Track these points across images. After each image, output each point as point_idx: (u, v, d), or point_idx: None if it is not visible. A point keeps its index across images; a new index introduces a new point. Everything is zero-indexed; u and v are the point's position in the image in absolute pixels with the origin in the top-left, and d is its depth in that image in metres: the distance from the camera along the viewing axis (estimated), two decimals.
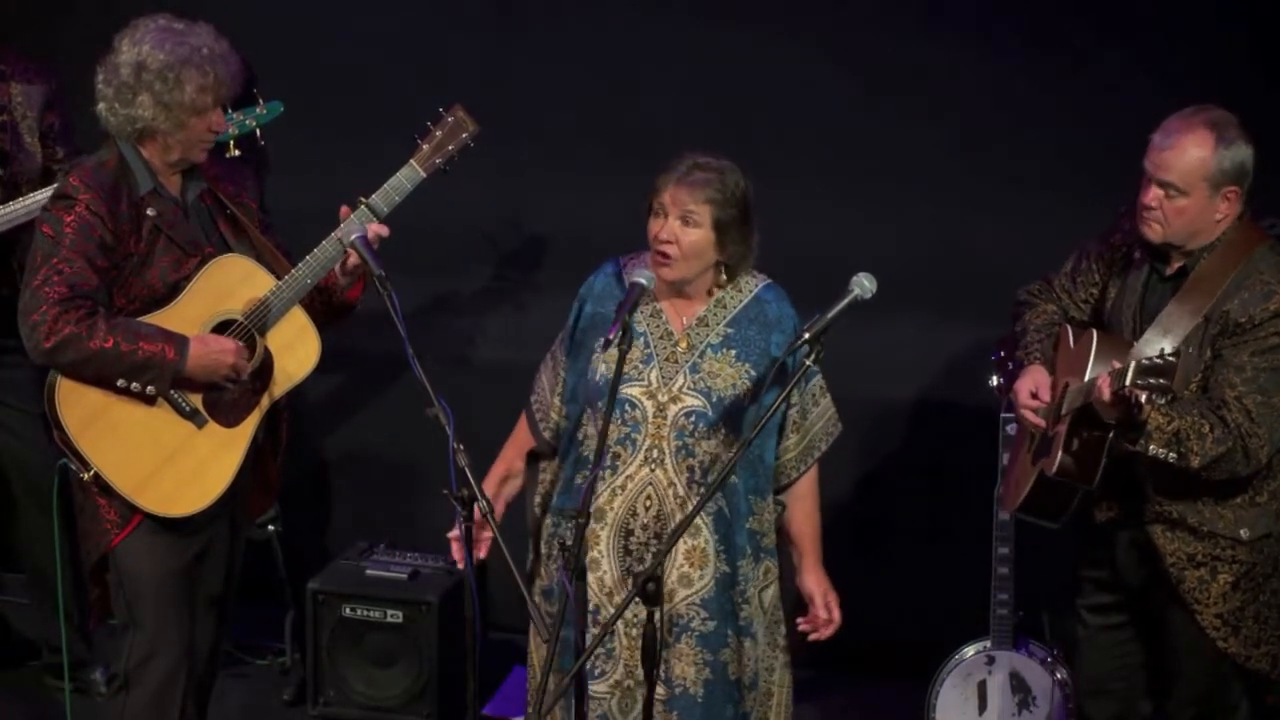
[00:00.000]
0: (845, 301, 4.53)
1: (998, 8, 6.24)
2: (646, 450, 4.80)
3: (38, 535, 5.96)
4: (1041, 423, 4.89)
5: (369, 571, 6.23)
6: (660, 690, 4.80)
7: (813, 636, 4.90)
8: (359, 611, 6.13)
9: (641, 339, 4.81)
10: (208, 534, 5.06)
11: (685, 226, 4.73)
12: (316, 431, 6.89)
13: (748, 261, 4.85)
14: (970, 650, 5.78)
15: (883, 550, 6.55)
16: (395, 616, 6.10)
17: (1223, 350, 4.75)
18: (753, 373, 4.80)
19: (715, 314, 4.85)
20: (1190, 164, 4.73)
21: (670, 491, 4.78)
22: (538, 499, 4.99)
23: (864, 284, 4.55)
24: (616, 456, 4.81)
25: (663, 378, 4.81)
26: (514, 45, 6.57)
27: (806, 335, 4.49)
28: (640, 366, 4.80)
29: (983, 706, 5.78)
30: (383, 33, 6.66)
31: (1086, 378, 4.76)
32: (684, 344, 4.83)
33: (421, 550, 6.33)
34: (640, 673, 4.76)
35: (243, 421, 4.96)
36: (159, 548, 4.96)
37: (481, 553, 4.84)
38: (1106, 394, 4.58)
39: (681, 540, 4.78)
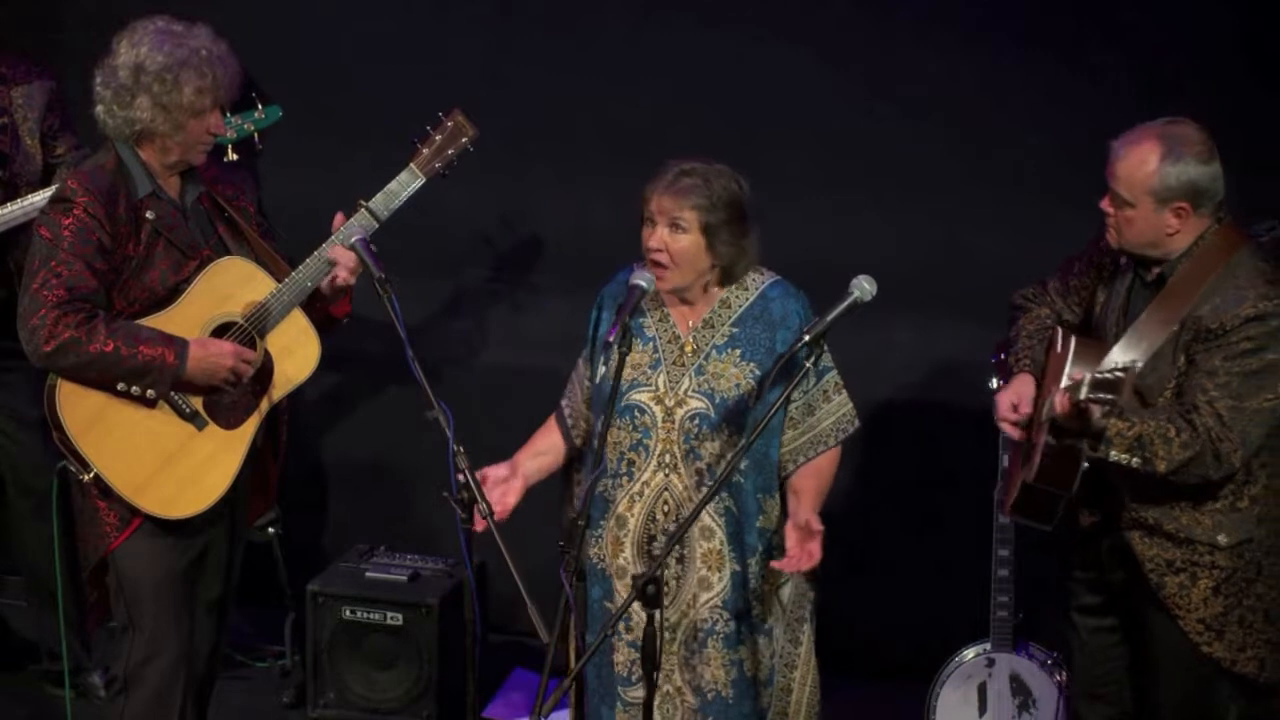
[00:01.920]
0: (845, 304, 4.54)
1: (997, 10, 6.23)
2: (659, 455, 4.81)
3: (36, 538, 5.96)
4: (1019, 434, 4.90)
5: (369, 574, 6.22)
6: (692, 699, 4.84)
7: (790, 567, 4.70)
8: (359, 613, 6.13)
9: (651, 344, 4.83)
10: (207, 536, 5.06)
11: (674, 233, 4.75)
12: (317, 433, 6.89)
13: (742, 262, 4.85)
14: (970, 653, 5.78)
15: (883, 552, 6.54)
16: (395, 618, 6.10)
17: (1196, 355, 4.75)
18: (758, 372, 4.81)
19: (721, 315, 4.86)
20: (1134, 176, 4.73)
21: (686, 495, 4.79)
22: (570, 510, 5.00)
23: (864, 286, 4.56)
24: (631, 463, 4.82)
25: (670, 382, 4.82)
26: (514, 47, 6.56)
27: (806, 337, 4.50)
28: (649, 371, 4.82)
29: (983, 709, 5.78)
30: (382, 35, 6.65)
31: (1063, 384, 4.77)
32: (690, 346, 4.84)
33: (422, 552, 6.33)
34: (676, 678, 4.79)
35: (243, 424, 4.96)
36: (159, 550, 4.96)
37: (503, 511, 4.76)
38: (1065, 406, 4.60)
39: (698, 543, 4.79)
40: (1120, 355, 4.78)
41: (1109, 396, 4.48)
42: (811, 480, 4.88)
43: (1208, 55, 6.06)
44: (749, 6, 6.42)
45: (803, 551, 4.67)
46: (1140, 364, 4.74)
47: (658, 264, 4.76)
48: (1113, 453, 4.68)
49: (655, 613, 4.43)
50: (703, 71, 6.44)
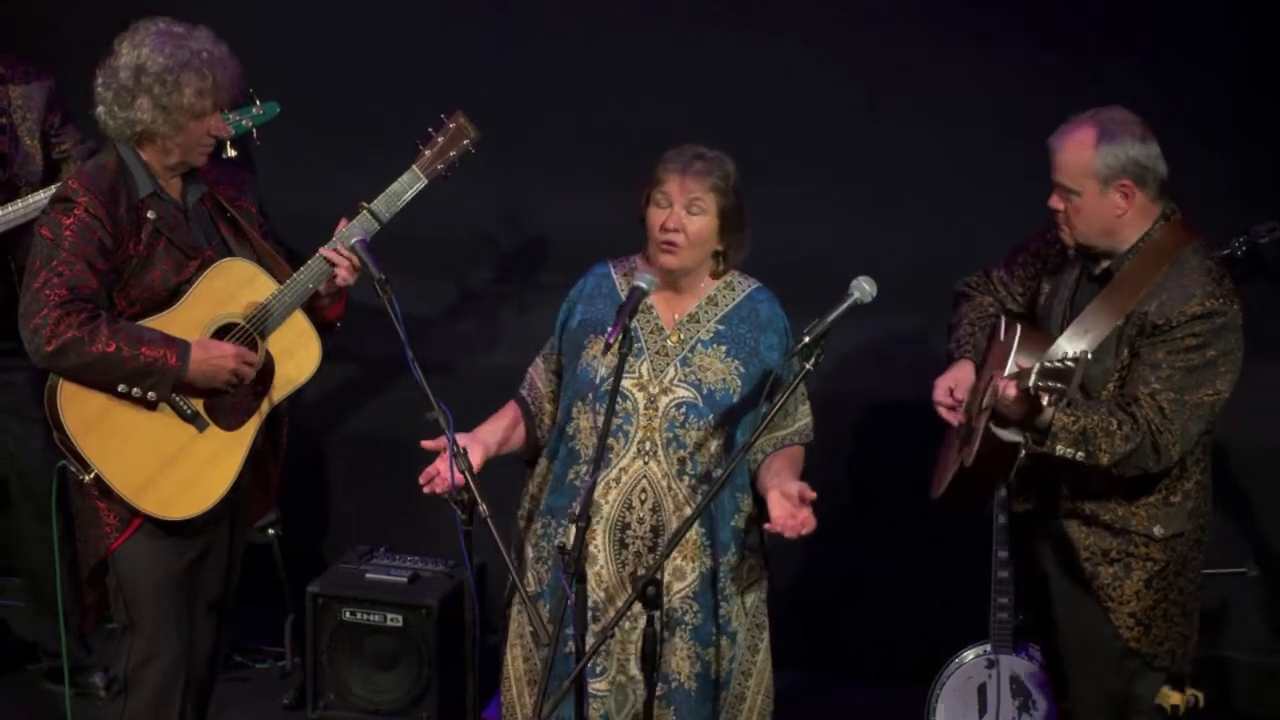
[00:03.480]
0: (845, 305, 4.53)
1: (999, 9, 6.23)
2: (639, 442, 4.81)
3: (35, 539, 5.95)
4: (955, 418, 4.91)
5: (369, 575, 6.22)
6: (658, 687, 4.81)
7: (789, 531, 4.57)
8: (359, 615, 6.12)
9: (632, 333, 4.83)
10: (207, 537, 5.06)
11: (691, 215, 4.77)
12: (317, 434, 6.89)
13: (743, 249, 4.88)
14: (970, 654, 5.77)
15: (882, 554, 6.54)
16: (395, 620, 6.10)
17: (1140, 349, 4.76)
18: (742, 370, 4.82)
19: (707, 311, 4.87)
20: (1075, 163, 4.76)
21: (665, 483, 4.79)
22: (525, 504, 4.98)
23: (864, 287, 4.55)
24: (609, 449, 4.82)
25: (654, 370, 4.83)
26: (514, 49, 6.56)
27: (806, 339, 4.49)
28: (631, 360, 4.81)
29: (983, 710, 5.78)
30: (383, 37, 6.66)
31: (1007, 372, 4.78)
32: (675, 338, 4.85)
33: (422, 554, 6.33)
34: (632, 668, 4.78)
35: (243, 425, 4.95)
36: (158, 551, 4.96)
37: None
38: (1012, 392, 4.60)
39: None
40: (1066, 346, 4.80)
41: (1059, 385, 4.48)
42: (787, 462, 4.87)
43: (1209, 55, 6.06)
44: (749, 6, 6.42)
45: (795, 519, 4.59)
46: (1090, 355, 4.76)
47: (672, 243, 4.77)
48: (1059, 447, 4.69)
49: (655, 614, 4.43)
50: (703, 71, 6.44)
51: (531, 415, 4.99)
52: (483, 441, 4.85)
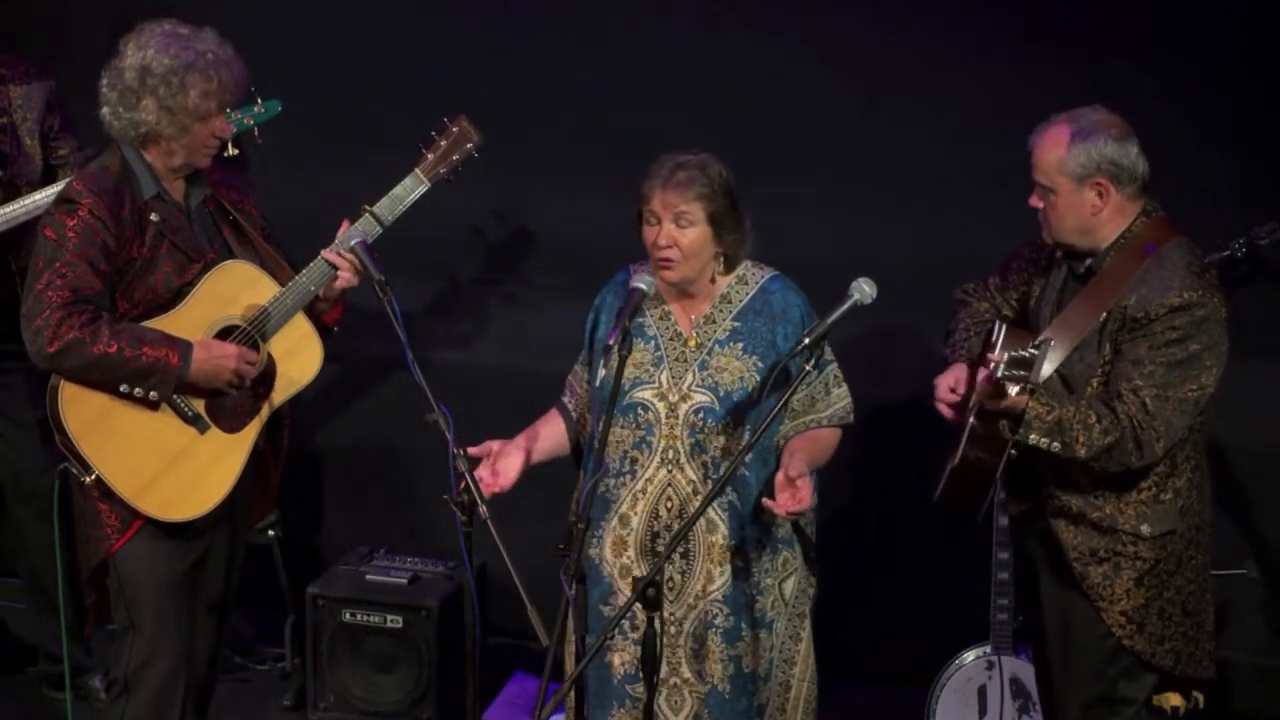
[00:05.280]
0: (845, 307, 4.55)
1: (998, 10, 6.23)
2: (663, 452, 4.82)
3: (35, 541, 5.95)
4: (954, 416, 4.92)
5: (369, 576, 6.22)
6: (701, 688, 4.86)
7: (780, 511, 4.64)
8: (359, 616, 6.12)
9: (652, 342, 4.85)
10: (208, 539, 5.07)
11: (681, 228, 4.76)
12: (317, 436, 6.89)
13: (745, 247, 4.88)
14: (970, 655, 5.78)
15: (883, 555, 6.54)
16: (395, 621, 6.10)
17: (1122, 345, 4.77)
18: (760, 364, 4.83)
19: (722, 310, 4.87)
20: (1049, 161, 4.79)
21: (690, 490, 4.81)
22: (571, 513, 5.00)
23: (864, 289, 4.56)
24: (634, 461, 4.83)
25: (673, 378, 4.84)
26: (515, 50, 6.56)
27: (806, 340, 4.50)
28: (651, 369, 4.83)
29: (983, 711, 5.78)
30: (383, 37, 6.65)
31: (990, 366, 4.79)
32: (693, 342, 4.86)
33: (422, 555, 6.33)
34: (684, 670, 4.80)
35: (245, 427, 4.96)
36: (159, 553, 4.96)
37: (502, 481, 4.77)
38: (986, 385, 4.62)
39: (703, 537, 4.81)
40: (1043, 344, 4.81)
41: (1022, 374, 4.51)
42: (804, 443, 4.87)
43: (1209, 55, 6.06)
44: (749, 6, 6.41)
45: (790, 497, 4.62)
46: (1052, 341, 4.78)
47: (667, 260, 4.76)
48: (1031, 436, 4.69)
49: (654, 615, 4.43)
50: (703, 71, 6.44)
51: (573, 421, 5.01)
52: (524, 449, 4.88)
